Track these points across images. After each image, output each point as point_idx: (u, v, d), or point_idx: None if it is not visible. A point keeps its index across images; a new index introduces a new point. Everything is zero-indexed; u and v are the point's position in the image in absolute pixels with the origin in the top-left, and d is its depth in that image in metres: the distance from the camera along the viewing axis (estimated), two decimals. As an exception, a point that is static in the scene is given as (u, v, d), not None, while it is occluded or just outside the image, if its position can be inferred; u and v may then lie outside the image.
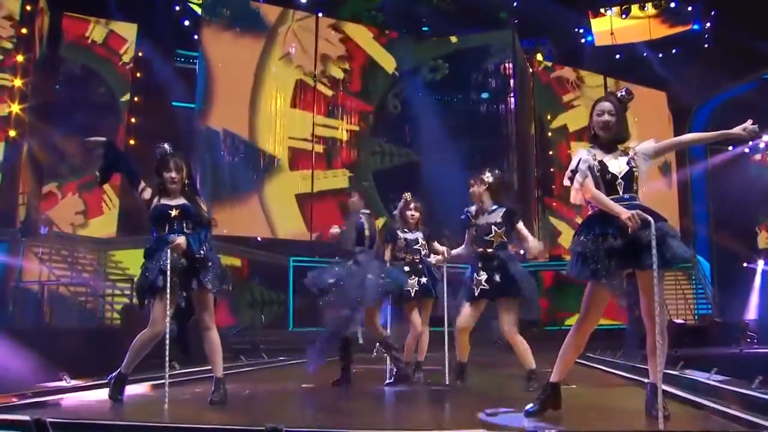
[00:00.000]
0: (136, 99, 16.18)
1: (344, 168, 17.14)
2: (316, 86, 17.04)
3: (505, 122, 17.34)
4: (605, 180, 3.71)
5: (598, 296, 3.72)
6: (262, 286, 14.80)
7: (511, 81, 17.40)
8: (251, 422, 3.64)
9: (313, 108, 16.86)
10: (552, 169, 18.93)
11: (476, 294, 5.36)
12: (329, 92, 17.34)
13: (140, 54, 16.39)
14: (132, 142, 15.99)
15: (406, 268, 6.15)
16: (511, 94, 17.35)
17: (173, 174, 4.67)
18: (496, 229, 5.42)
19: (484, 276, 5.34)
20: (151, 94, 16.11)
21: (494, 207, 5.50)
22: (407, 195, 6.45)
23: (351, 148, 17.36)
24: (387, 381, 5.79)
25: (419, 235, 6.33)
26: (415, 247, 6.27)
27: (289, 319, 14.74)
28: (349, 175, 17.01)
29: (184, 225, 4.61)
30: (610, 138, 3.79)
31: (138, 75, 16.36)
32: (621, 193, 3.69)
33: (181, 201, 4.70)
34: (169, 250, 4.44)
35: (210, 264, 4.61)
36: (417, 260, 6.23)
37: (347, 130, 17.37)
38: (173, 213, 4.62)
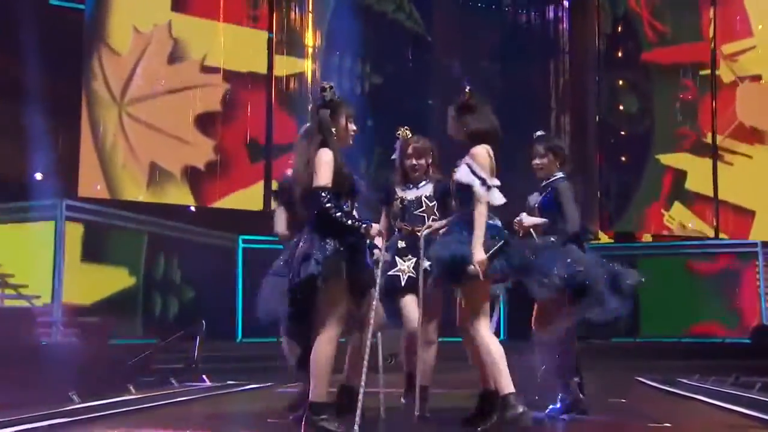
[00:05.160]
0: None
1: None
2: None
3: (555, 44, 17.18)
4: None
5: None
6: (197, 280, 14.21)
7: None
8: None
9: None
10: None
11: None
12: None
13: None
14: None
15: (401, 244, 5.97)
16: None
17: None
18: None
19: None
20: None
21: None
22: (404, 130, 6.12)
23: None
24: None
25: (426, 191, 6.08)
26: (417, 212, 6.02)
27: (238, 327, 14.50)
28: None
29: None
30: None
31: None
32: None
33: None
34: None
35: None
36: (418, 231, 5.90)
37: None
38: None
